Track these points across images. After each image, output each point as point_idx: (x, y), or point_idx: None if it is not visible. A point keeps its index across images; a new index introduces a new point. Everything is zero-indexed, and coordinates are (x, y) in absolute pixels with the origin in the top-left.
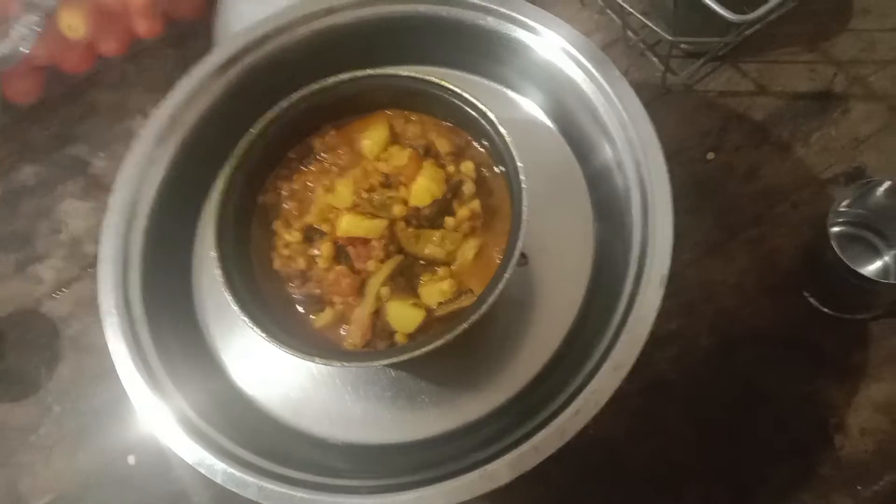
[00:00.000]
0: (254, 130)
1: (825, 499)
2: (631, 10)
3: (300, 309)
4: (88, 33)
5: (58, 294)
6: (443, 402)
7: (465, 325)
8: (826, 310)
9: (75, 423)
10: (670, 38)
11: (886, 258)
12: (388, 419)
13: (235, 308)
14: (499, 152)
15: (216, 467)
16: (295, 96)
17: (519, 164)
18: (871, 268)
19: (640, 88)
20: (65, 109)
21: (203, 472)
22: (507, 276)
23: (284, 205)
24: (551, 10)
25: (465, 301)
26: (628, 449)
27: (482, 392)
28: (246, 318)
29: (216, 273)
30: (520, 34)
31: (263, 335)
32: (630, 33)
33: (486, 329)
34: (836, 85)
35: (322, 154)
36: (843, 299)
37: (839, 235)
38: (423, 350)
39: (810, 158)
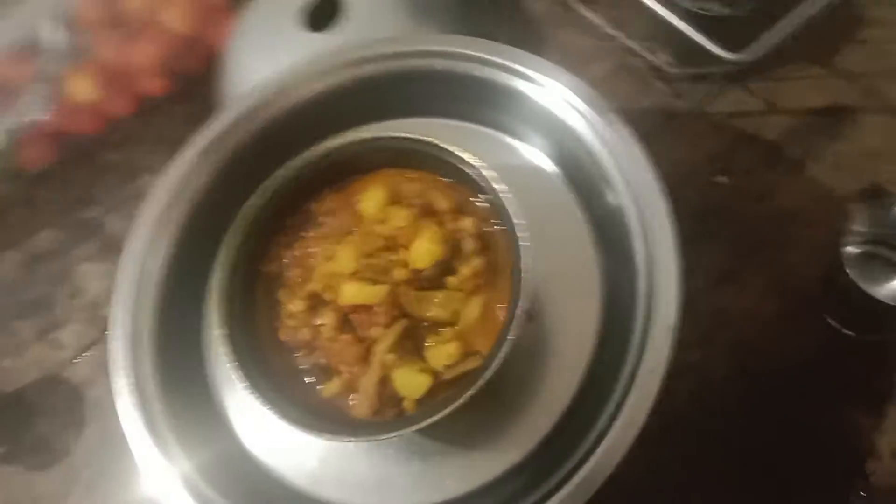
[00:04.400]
0: (257, 202)
1: None
2: (631, 43)
3: (308, 379)
4: (97, 96)
5: (79, 359)
6: (458, 461)
7: (471, 392)
8: (848, 332)
9: (105, 488)
10: (673, 70)
11: None
12: (405, 483)
13: (245, 387)
14: (497, 210)
15: None
16: (295, 164)
17: (517, 221)
18: (891, 285)
19: (645, 114)
20: (77, 172)
21: None
22: (510, 338)
23: (288, 273)
24: (554, 36)
25: (472, 363)
26: (649, 488)
27: (498, 449)
28: (256, 396)
29: (223, 352)
30: (518, 84)
31: (274, 412)
32: (634, 58)
33: (497, 384)
34: (849, 99)
35: (323, 218)
36: (864, 321)
37: (856, 255)
38: (431, 420)
39: (824, 176)
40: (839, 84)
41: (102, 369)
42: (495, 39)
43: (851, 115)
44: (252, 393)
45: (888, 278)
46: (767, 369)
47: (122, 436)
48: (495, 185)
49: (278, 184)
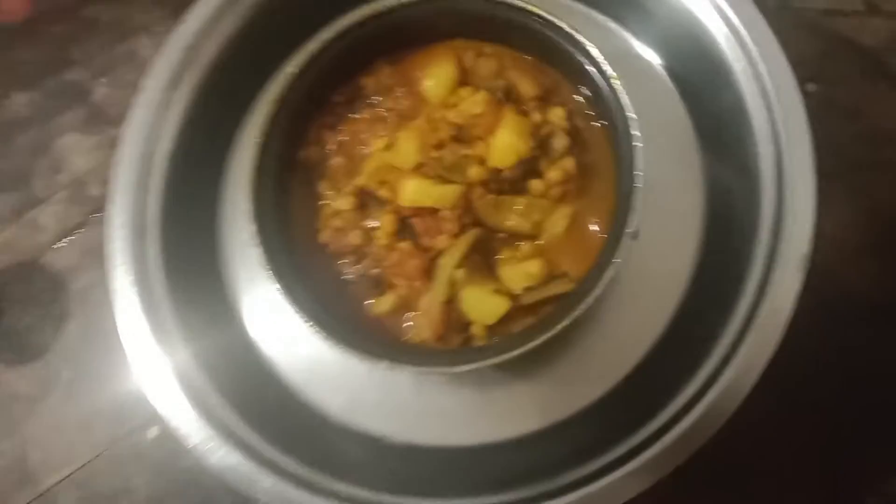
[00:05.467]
0: (292, 69)
1: None
2: None
3: (353, 291)
4: None
5: (60, 243)
6: (520, 395)
7: (563, 325)
8: None
9: (87, 390)
10: None
11: None
12: (455, 416)
13: (286, 299)
14: (603, 100)
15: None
16: (340, 25)
17: (631, 115)
18: None
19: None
20: (58, 28)
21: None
22: (616, 261)
23: (331, 161)
24: None
25: (560, 288)
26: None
27: (569, 385)
28: (299, 312)
29: (255, 251)
30: None
31: (318, 329)
32: None
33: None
34: None
35: (375, 97)
36: None
37: None
38: (513, 354)
39: None
40: None
41: (88, 257)
42: None
43: None
44: (294, 306)
45: None
46: (847, 307)
47: (108, 332)
48: (607, 68)
49: (320, 48)
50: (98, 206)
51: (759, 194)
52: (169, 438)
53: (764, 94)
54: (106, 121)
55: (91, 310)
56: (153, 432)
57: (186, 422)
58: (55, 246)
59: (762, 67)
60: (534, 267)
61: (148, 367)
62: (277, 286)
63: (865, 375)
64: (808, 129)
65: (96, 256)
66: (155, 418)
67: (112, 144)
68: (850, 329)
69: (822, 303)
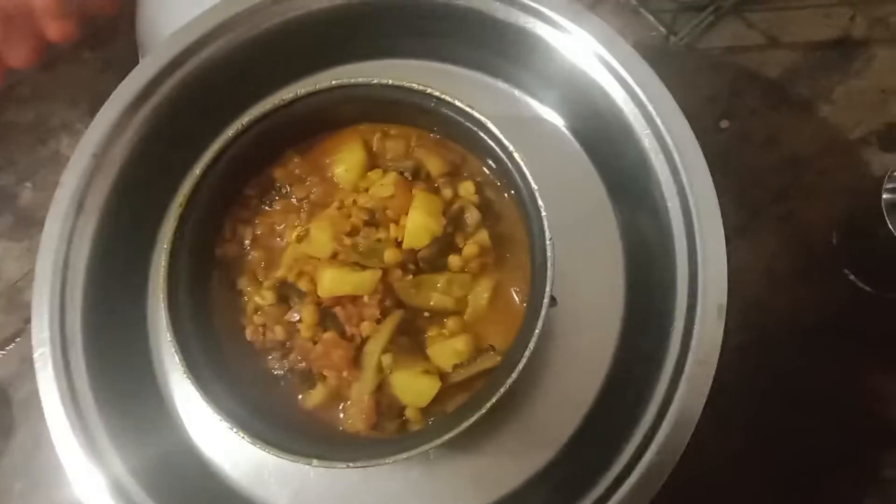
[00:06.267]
0: (199, 168)
1: None
2: None
3: (284, 387)
4: None
5: (0, 353)
6: (467, 471)
7: (493, 400)
8: (869, 289)
9: (41, 500)
10: None
11: None
12: (406, 500)
13: (210, 407)
14: (506, 172)
15: None
16: (246, 119)
17: (534, 185)
18: None
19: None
20: None
21: None
22: (538, 329)
23: (249, 256)
24: None
25: (488, 362)
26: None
27: (514, 456)
28: (224, 418)
29: (176, 359)
30: (537, 27)
31: (243, 435)
32: None
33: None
34: (856, 29)
35: (287, 187)
36: (892, 276)
37: (886, 204)
38: (448, 436)
39: (835, 117)
40: (845, 13)
41: (28, 364)
42: None
43: (860, 48)
44: (215, 411)
45: None
46: (783, 334)
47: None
48: (506, 142)
49: (226, 142)
50: None
51: (672, 248)
52: None
53: (665, 149)
54: (35, 225)
55: (37, 418)
56: None
57: None
58: None
59: (660, 124)
60: (460, 343)
61: (84, 479)
62: (199, 393)
63: (801, 401)
64: (710, 180)
65: None
66: None
67: None
68: (784, 355)
69: (755, 333)
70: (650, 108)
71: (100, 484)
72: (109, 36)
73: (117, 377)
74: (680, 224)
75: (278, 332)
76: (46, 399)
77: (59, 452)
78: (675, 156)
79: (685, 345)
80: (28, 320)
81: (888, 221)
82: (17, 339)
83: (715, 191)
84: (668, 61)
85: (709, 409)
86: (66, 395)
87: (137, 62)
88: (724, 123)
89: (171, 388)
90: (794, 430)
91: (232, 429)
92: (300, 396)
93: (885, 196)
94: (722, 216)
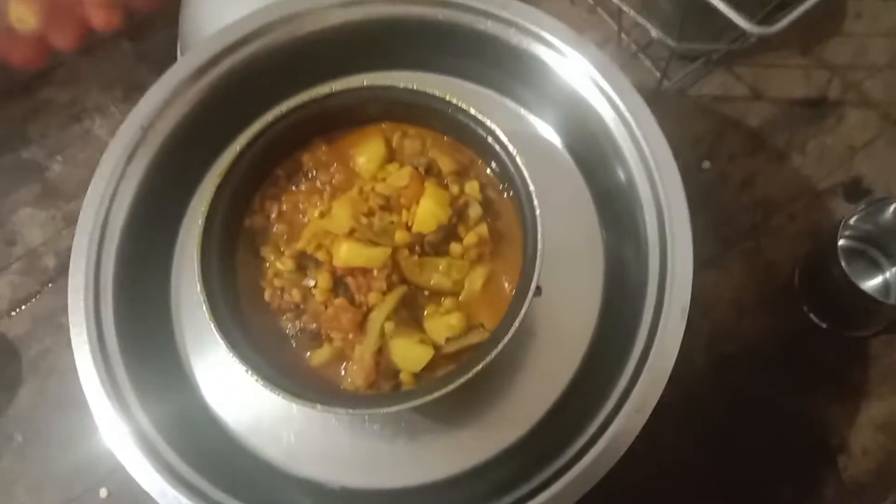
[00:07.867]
0: (238, 146)
1: None
2: (630, 11)
3: (294, 345)
4: (39, 26)
5: (15, 312)
6: (447, 440)
7: (478, 368)
8: (825, 325)
9: (40, 453)
10: (673, 43)
11: (887, 275)
12: (390, 461)
13: (228, 350)
14: (509, 175)
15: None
16: (283, 107)
17: (532, 187)
18: (872, 283)
19: None
20: (15, 108)
21: None
22: (522, 312)
23: (273, 228)
24: (539, 5)
25: (476, 337)
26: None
27: (490, 430)
28: (240, 361)
29: (203, 309)
30: (539, 51)
31: (259, 379)
32: (623, 34)
33: (497, 361)
34: (832, 91)
35: (313, 171)
36: (844, 315)
37: (842, 249)
38: (436, 395)
39: (807, 168)
40: (823, 75)
41: (41, 325)
42: None
43: (834, 108)
44: (235, 356)
45: (870, 275)
46: (744, 357)
47: (62, 399)
48: (510, 148)
49: (264, 127)
50: (51, 277)
51: (646, 257)
52: (120, 498)
53: (649, 172)
54: (60, 196)
55: (43, 376)
56: (104, 493)
57: (145, 476)
58: (11, 314)
59: (646, 149)
60: (454, 319)
61: (110, 425)
62: (221, 338)
63: (755, 417)
64: (685, 202)
65: (49, 325)
66: (105, 479)
67: (65, 219)
68: (744, 375)
69: (720, 356)
70: (638, 133)
71: (123, 428)
72: (148, 29)
73: (142, 334)
74: (655, 238)
75: (294, 295)
76: (78, 347)
77: (90, 403)
78: (657, 178)
79: (650, 338)
80: (45, 283)
81: (842, 263)
82: (33, 300)
83: (689, 213)
84: (660, 102)
85: (675, 413)
86: (96, 345)
87: (172, 56)
88: (706, 164)
89: (188, 346)
90: (744, 441)
91: (246, 371)
92: (308, 354)
93: (840, 242)
94: (696, 246)
